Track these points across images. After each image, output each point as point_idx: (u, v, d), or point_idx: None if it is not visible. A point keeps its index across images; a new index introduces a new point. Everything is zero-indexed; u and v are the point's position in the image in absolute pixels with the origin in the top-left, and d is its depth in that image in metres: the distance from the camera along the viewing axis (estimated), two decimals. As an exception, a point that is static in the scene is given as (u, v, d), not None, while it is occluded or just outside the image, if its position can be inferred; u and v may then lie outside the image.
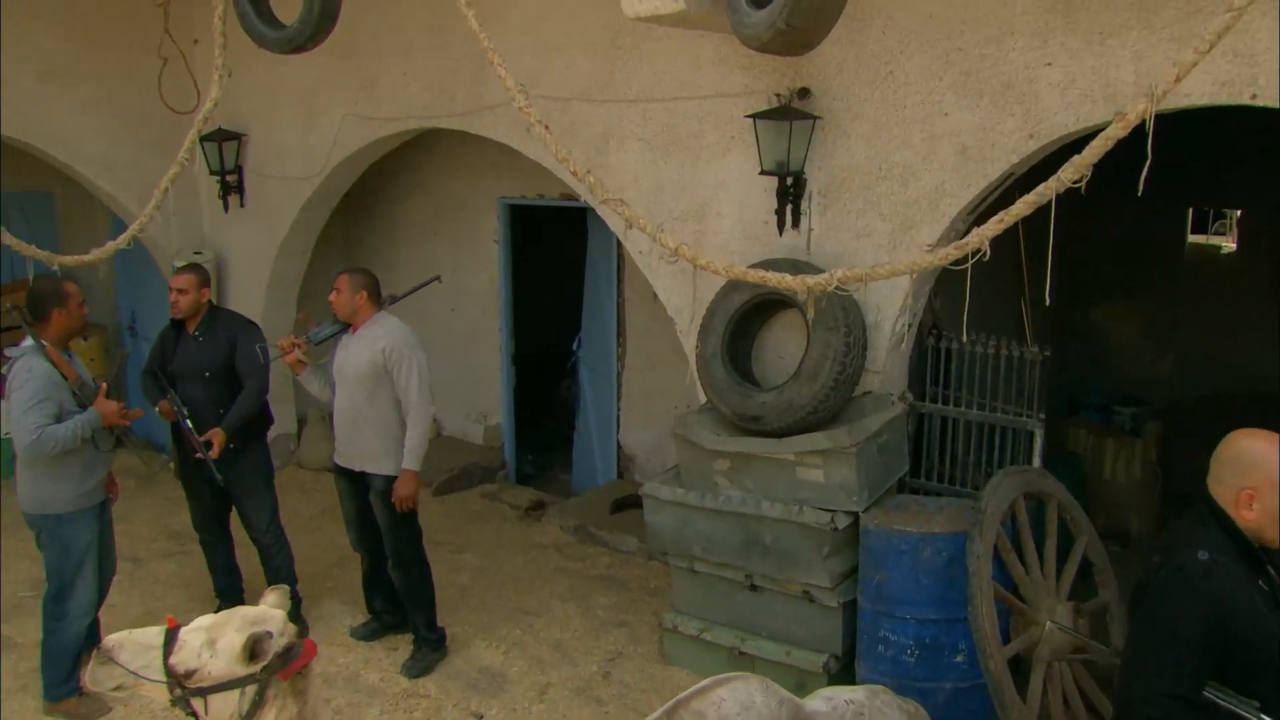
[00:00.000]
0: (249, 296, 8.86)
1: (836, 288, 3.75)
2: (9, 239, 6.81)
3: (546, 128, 4.37)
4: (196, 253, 8.80)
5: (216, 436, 5.89)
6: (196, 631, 3.00)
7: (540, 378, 10.27)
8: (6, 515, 5.84)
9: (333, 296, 5.75)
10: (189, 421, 5.92)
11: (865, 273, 3.75)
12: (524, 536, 7.91)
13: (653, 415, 8.30)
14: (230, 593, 6.61)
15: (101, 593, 5.82)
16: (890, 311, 5.25)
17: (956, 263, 3.62)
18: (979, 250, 3.56)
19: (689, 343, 5.93)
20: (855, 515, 5.01)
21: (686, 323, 5.91)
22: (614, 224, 6.02)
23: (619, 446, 8.60)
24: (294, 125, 8.12)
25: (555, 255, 10.25)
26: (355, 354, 5.73)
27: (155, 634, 3.01)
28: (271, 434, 7.33)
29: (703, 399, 5.74)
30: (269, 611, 3.15)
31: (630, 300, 8.31)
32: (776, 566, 5.20)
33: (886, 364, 5.34)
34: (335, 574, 7.15)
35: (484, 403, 9.40)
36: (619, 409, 8.55)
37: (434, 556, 6.98)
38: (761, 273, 3.90)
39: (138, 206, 8.36)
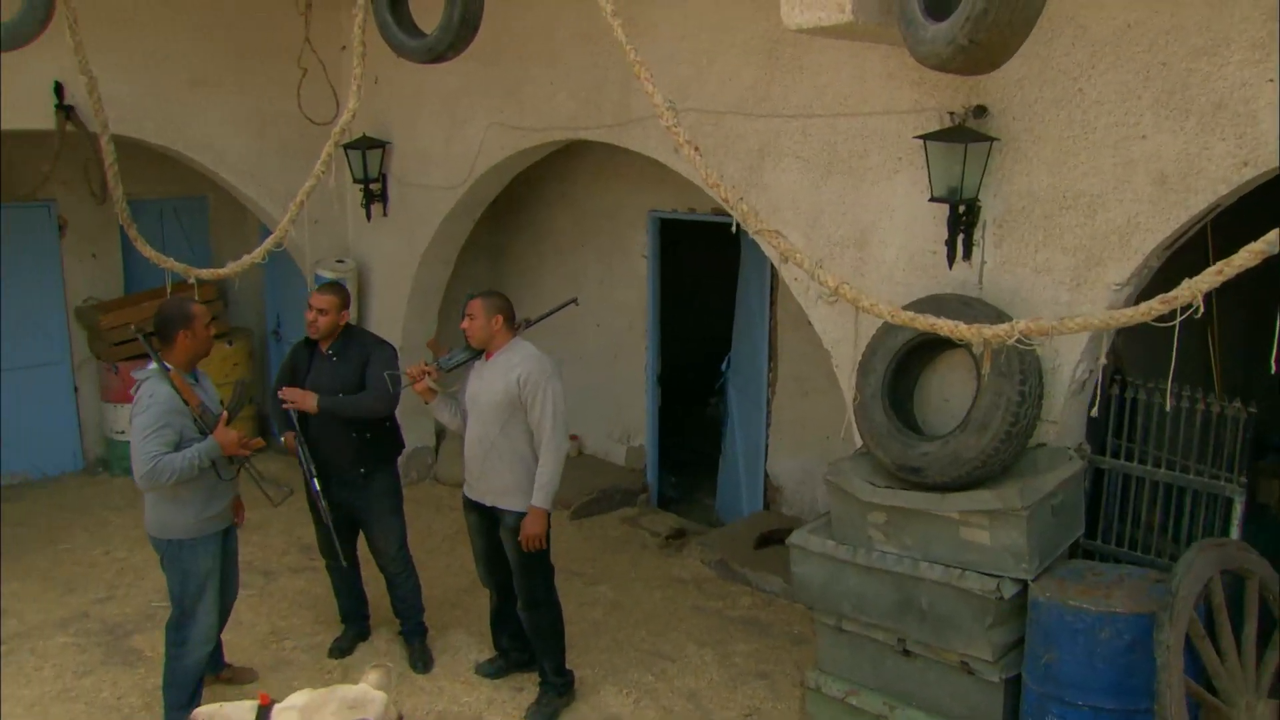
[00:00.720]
0: (390, 306, 8.70)
1: (1018, 340, 3.28)
2: (147, 251, 6.74)
3: (696, 149, 4.00)
4: (339, 261, 8.67)
5: (309, 397, 5.71)
6: (289, 712, 2.74)
7: (686, 396, 9.90)
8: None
9: (465, 323, 5.45)
10: (312, 467, 5.83)
11: (1052, 325, 3.26)
12: (662, 568, 7.54)
13: (803, 445, 7.84)
14: (356, 619, 6.41)
15: (223, 619, 5.66)
16: (1071, 356, 4.70)
17: (1161, 318, 3.12)
18: (1190, 306, 3.05)
19: (845, 379, 5.47)
20: (1024, 583, 4.48)
21: (843, 358, 5.45)
22: (770, 253, 5.59)
23: (766, 475, 8.16)
24: (438, 133, 7.90)
25: (705, 271, 9.88)
26: (488, 382, 5.43)
27: (248, 710, 2.79)
28: (409, 448, 7.15)
29: (859, 441, 5.28)
30: (369, 693, 2.85)
31: (783, 322, 7.86)
32: (933, 632, 4.71)
33: (1064, 413, 4.79)
34: (465, 601, 6.88)
35: (627, 422, 9.07)
36: (767, 436, 8.11)
37: (567, 587, 6.69)
38: (931, 319, 3.45)
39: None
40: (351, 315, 8.58)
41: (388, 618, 6.41)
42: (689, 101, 5.95)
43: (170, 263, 6.30)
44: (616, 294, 8.89)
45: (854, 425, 5.27)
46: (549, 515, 5.45)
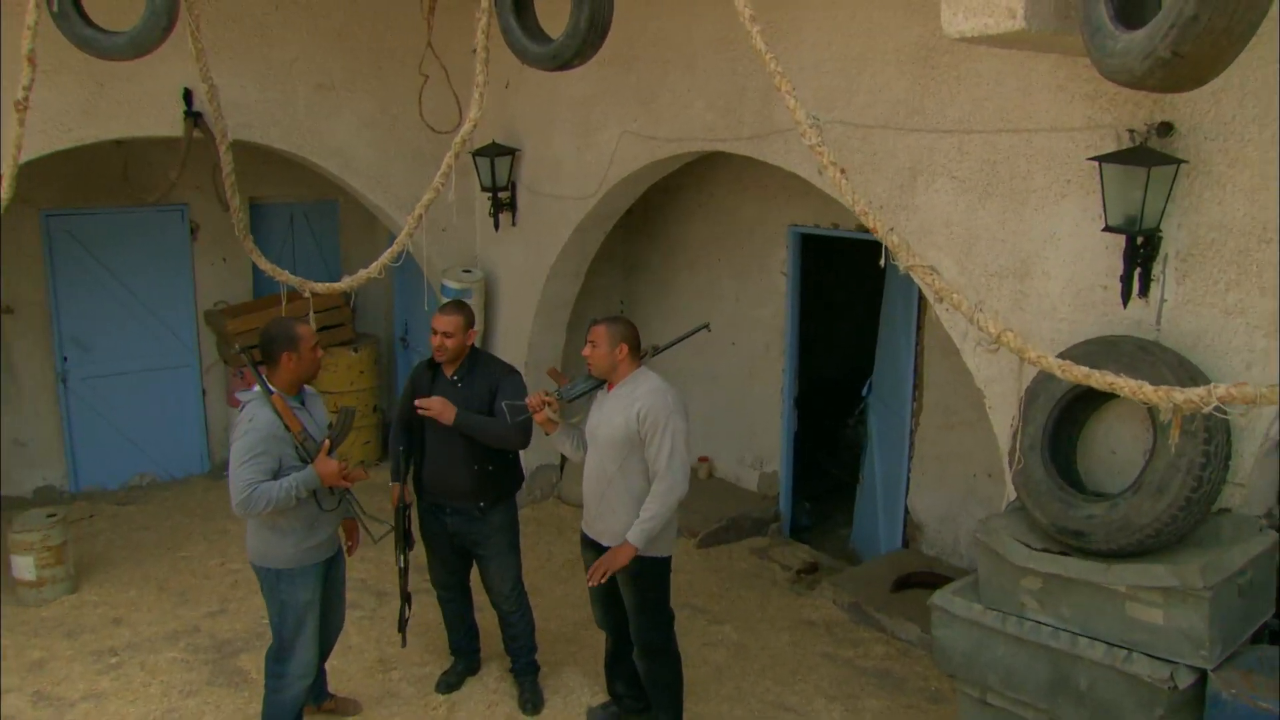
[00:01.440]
0: (517, 319, 8.40)
1: (1215, 409, 2.75)
2: (263, 263, 6.56)
3: (842, 172, 3.56)
4: (466, 271, 8.41)
5: (449, 408, 5.39)
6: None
7: (824, 416, 9.38)
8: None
9: (587, 350, 5.07)
10: (409, 540, 5.67)
11: (1260, 393, 2.72)
12: (792, 608, 7.07)
13: (947, 481, 7.29)
14: (466, 653, 6.11)
15: (325, 651, 5.41)
16: (1264, 412, 4.10)
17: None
18: None
19: (998, 422, 4.95)
20: (1202, 673, 3.90)
21: (997, 398, 4.93)
22: (923, 289, 5.09)
23: (906, 511, 7.62)
24: (569, 141, 7.56)
25: (846, 286, 9.39)
26: (609, 415, 5.05)
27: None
28: (532, 465, 6.84)
29: (1011, 493, 4.75)
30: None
31: (930, 347, 7.32)
32: (1091, 719, 4.16)
33: (1253, 476, 4.19)
34: (581, 637, 6.53)
35: (761, 446, 8.61)
36: (909, 468, 7.56)
37: (689, 625, 6.31)
38: (1110, 378, 2.95)
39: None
40: (479, 326, 8.41)
41: (499, 651, 6.09)
42: (834, 113, 5.49)
43: (285, 275, 6.11)
44: (753, 311, 8.44)
45: (1008, 476, 4.76)
46: (669, 561, 5.09)
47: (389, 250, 5.67)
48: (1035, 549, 4.29)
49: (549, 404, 5.15)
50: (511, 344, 8.47)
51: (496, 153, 7.89)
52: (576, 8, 4.83)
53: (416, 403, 5.45)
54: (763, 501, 8.55)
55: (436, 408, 5.38)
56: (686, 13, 6.42)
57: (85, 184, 8.72)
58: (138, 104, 7.11)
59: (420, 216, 5.59)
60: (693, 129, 6.50)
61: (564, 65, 5.05)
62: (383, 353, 10.27)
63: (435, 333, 5.51)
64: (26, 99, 5.73)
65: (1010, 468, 4.61)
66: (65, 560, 7.32)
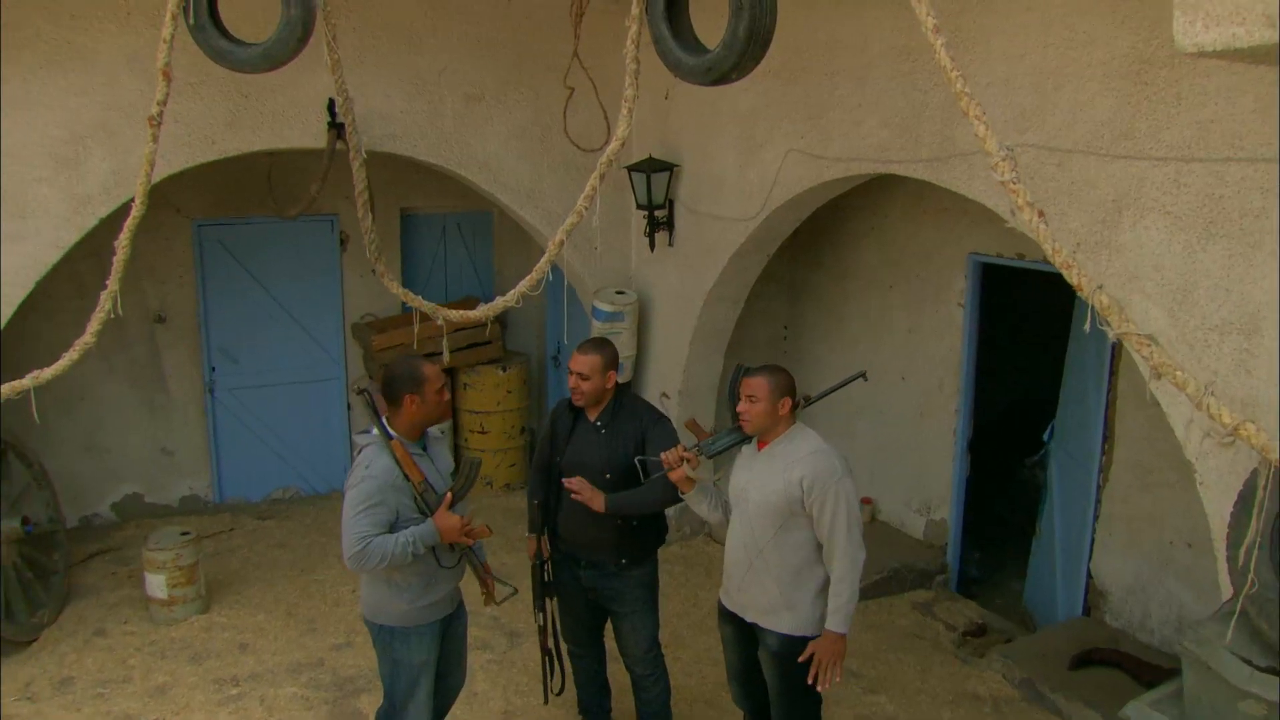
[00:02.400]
0: (672, 345, 7.90)
1: None
2: (395, 288, 6.16)
3: (1041, 214, 2.95)
4: (619, 292, 7.95)
5: (597, 496, 4.91)
6: None
7: (998, 454, 8.61)
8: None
9: (743, 406, 4.49)
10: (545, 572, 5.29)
11: None
12: (956, 678, 6.38)
13: (1139, 546, 6.50)
14: (597, 713, 5.64)
15: (440, 714, 4.98)
16: None
17: None
18: None
19: (1212, 500, 4.22)
20: None
21: (1213, 476, 4.20)
22: (1139, 363, 4.40)
23: (1089, 575, 6.83)
24: (730, 157, 7.01)
25: (1031, 322, 8.62)
26: (763, 478, 4.49)
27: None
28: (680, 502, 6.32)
29: (1226, 591, 4.03)
30: None
31: (1124, 396, 6.52)
32: None
33: None
34: (721, 700, 5.94)
35: (929, 490, 7.92)
36: (1094, 529, 6.77)
37: (841, 692, 5.86)
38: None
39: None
40: (631, 350, 7.96)
41: (630, 711, 5.59)
42: (1026, 135, 4.82)
43: (417, 301, 5.72)
44: (926, 345, 7.74)
45: (1220, 563, 4.04)
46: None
47: (526, 279, 5.20)
48: (1260, 668, 3.57)
49: (688, 460, 4.61)
50: (665, 371, 7.97)
51: (653, 168, 7.40)
52: (734, 16, 4.30)
53: (564, 482, 5.01)
54: (928, 551, 7.85)
55: (585, 493, 4.92)
56: (859, 19, 5.82)
57: (237, 194, 8.58)
58: (282, 115, 6.86)
59: (561, 243, 5.11)
60: (864, 148, 5.89)
61: (720, 79, 4.52)
62: (533, 371, 9.91)
63: (572, 373, 5.05)
64: (160, 114, 5.44)
65: (1227, 561, 3.89)
66: (196, 580, 7.15)
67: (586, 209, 4.99)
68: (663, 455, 4.64)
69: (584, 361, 5.04)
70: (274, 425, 9.29)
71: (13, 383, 5.61)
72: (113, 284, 5.59)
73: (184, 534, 7.15)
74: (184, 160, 6.69)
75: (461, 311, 5.69)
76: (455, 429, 9.49)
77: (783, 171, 6.51)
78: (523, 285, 5.33)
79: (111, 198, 6.55)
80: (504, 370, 9.31)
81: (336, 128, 6.90)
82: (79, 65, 6.43)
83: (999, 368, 8.11)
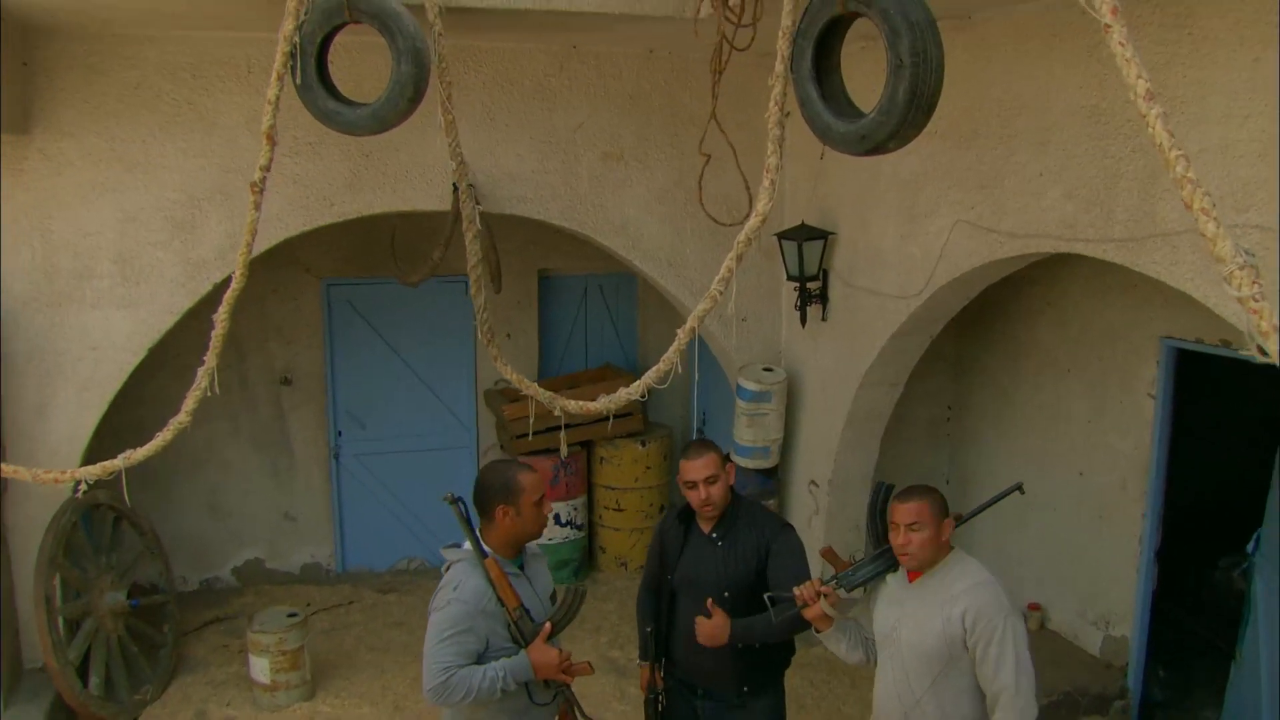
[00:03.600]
0: (822, 430, 7.20)
1: None
2: (507, 370, 5.66)
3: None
4: (766, 369, 7.29)
5: (719, 631, 4.26)
6: None
7: (1188, 557, 7.63)
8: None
9: (904, 537, 3.81)
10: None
11: None
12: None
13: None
14: None
15: None
16: None
17: None
18: None
19: None
20: None
21: None
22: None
23: (1303, 715, 5.86)
24: (890, 227, 6.30)
25: (1234, 411, 7.66)
26: (917, 615, 3.81)
27: None
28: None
29: None
30: None
31: (1349, 511, 5.57)
32: None
33: None
34: None
35: (1107, 601, 7.00)
36: (1309, 661, 5.81)
37: None
38: None
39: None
40: (777, 434, 7.28)
41: None
42: (1249, 213, 4.05)
43: (533, 389, 5.24)
44: (1109, 438, 6.86)
45: None
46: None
47: (653, 371, 4.63)
48: None
49: (825, 594, 3.94)
50: (814, 457, 7.27)
51: (806, 236, 6.73)
52: (893, 76, 3.66)
53: (699, 621, 4.37)
54: (1106, 672, 6.92)
55: (706, 631, 4.30)
56: (1042, 75, 5.08)
57: (366, 252, 8.23)
58: (405, 176, 6.44)
59: (693, 331, 4.55)
60: (1046, 223, 5.13)
61: (876, 149, 3.91)
62: (676, 444, 9.30)
63: (693, 485, 4.43)
64: (263, 180, 5.04)
65: None
66: (301, 665, 6.74)
67: (721, 293, 4.41)
68: (796, 591, 3.99)
69: (703, 464, 4.44)
70: (401, 493, 8.90)
71: (104, 463, 5.28)
72: (210, 359, 5.23)
73: (290, 615, 6.75)
74: (300, 223, 6.34)
75: (581, 403, 5.16)
76: (589, 505, 8.93)
77: (949, 245, 5.78)
78: (649, 377, 4.80)
79: (227, 262, 6.25)
80: (644, 445, 8.71)
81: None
82: (199, 126, 6.17)
83: (1194, 459, 7.16)
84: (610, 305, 9.39)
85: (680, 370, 4.47)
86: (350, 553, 8.92)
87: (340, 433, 8.68)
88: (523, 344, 8.90)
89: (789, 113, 3.93)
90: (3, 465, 5.30)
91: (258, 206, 5.11)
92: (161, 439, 5.26)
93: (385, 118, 4.93)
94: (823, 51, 4.10)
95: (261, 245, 6.28)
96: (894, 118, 3.66)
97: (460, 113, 6.33)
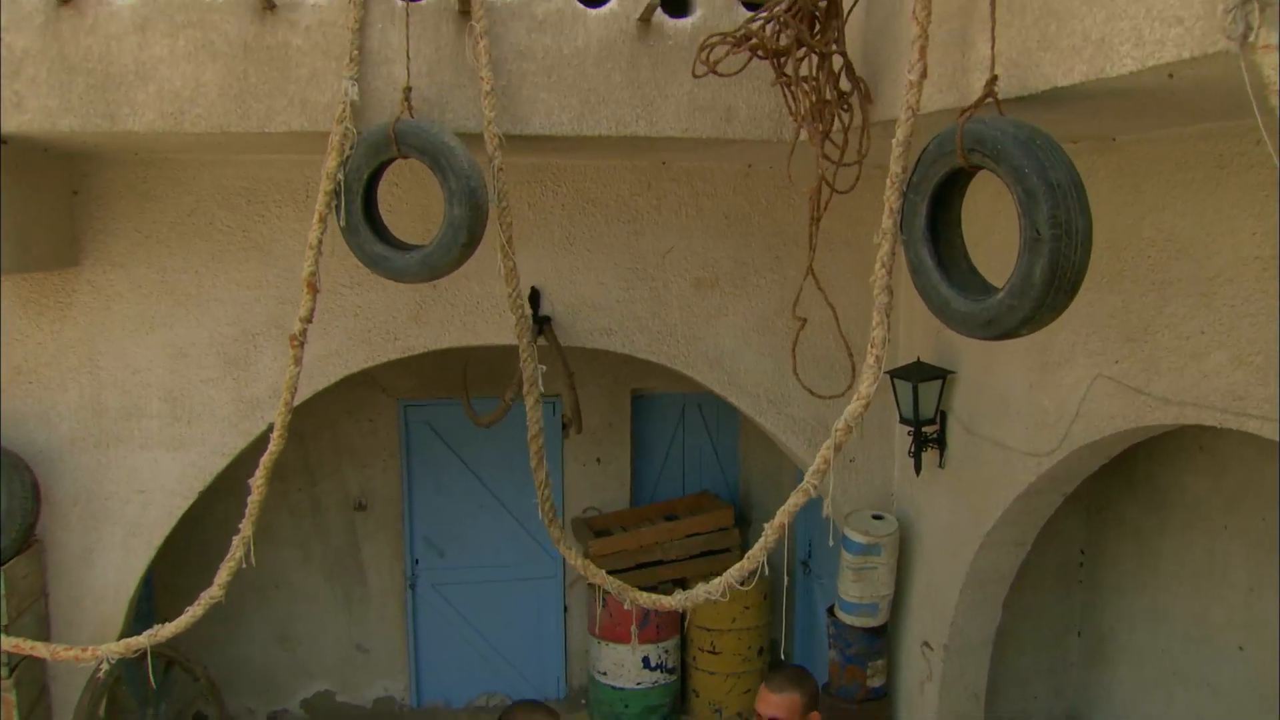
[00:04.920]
0: (937, 591, 6.38)
1: None
2: (574, 559, 5.09)
3: None
4: (876, 517, 6.53)
5: None
6: None
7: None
8: None
9: None
10: None
11: None
12: None
13: None
14: None
15: None
16: None
17: None
18: None
19: None
20: None
21: None
22: None
23: None
24: (1019, 373, 5.51)
25: None
26: None
27: None
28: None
29: None
30: None
31: None
32: None
33: None
34: None
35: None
36: None
37: None
38: None
39: (808, 449, 6.35)
40: (887, 589, 6.50)
41: None
42: None
43: (601, 575, 4.67)
44: (1276, 613, 5.93)
45: None
46: None
47: (735, 568, 4.00)
48: None
49: None
50: (928, 618, 6.46)
51: (921, 376, 5.98)
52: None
53: None
54: None
55: None
56: (1207, 212, 4.28)
57: (444, 373, 7.73)
58: (476, 308, 5.90)
59: (783, 526, 3.96)
60: (1207, 391, 4.31)
61: (1006, 335, 3.26)
62: (778, 583, 8.56)
63: (761, 718, 3.77)
64: (303, 333, 4.56)
65: None
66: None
67: (816, 486, 3.79)
68: None
69: (778, 703, 3.80)
70: (481, 625, 8.35)
71: (128, 641, 4.91)
72: (246, 528, 4.77)
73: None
74: (362, 359, 5.83)
75: (655, 597, 4.54)
76: (682, 646, 8.25)
77: (1087, 403, 4.98)
78: (731, 575, 4.29)
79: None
80: (742, 584, 7.98)
81: (539, 322, 5.89)
82: (254, 255, 5.71)
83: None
84: (710, 426, 8.77)
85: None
86: (426, 687, 8.42)
87: (417, 561, 8.19)
88: (613, 469, 8.29)
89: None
90: (18, 641, 4.87)
91: (298, 361, 4.63)
92: (191, 614, 4.85)
93: (436, 266, 4.40)
94: (940, 206, 3.43)
95: (319, 385, 5.86)
96: (1029, 301, 2.99)
97: (536, 235, 5.86)
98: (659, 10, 4.66)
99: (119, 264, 5.66)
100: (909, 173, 3.34)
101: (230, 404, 5.81)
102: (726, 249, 6.19)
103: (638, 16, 4.65)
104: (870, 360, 3.58)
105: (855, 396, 3.64)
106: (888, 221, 3.44)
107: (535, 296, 5.88)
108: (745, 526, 8.57)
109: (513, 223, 4.45)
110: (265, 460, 4.63)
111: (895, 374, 6.07)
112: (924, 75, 3.40)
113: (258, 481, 4.63)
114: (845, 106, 4.11)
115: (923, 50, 3.38)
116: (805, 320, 4.56)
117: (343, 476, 7.90)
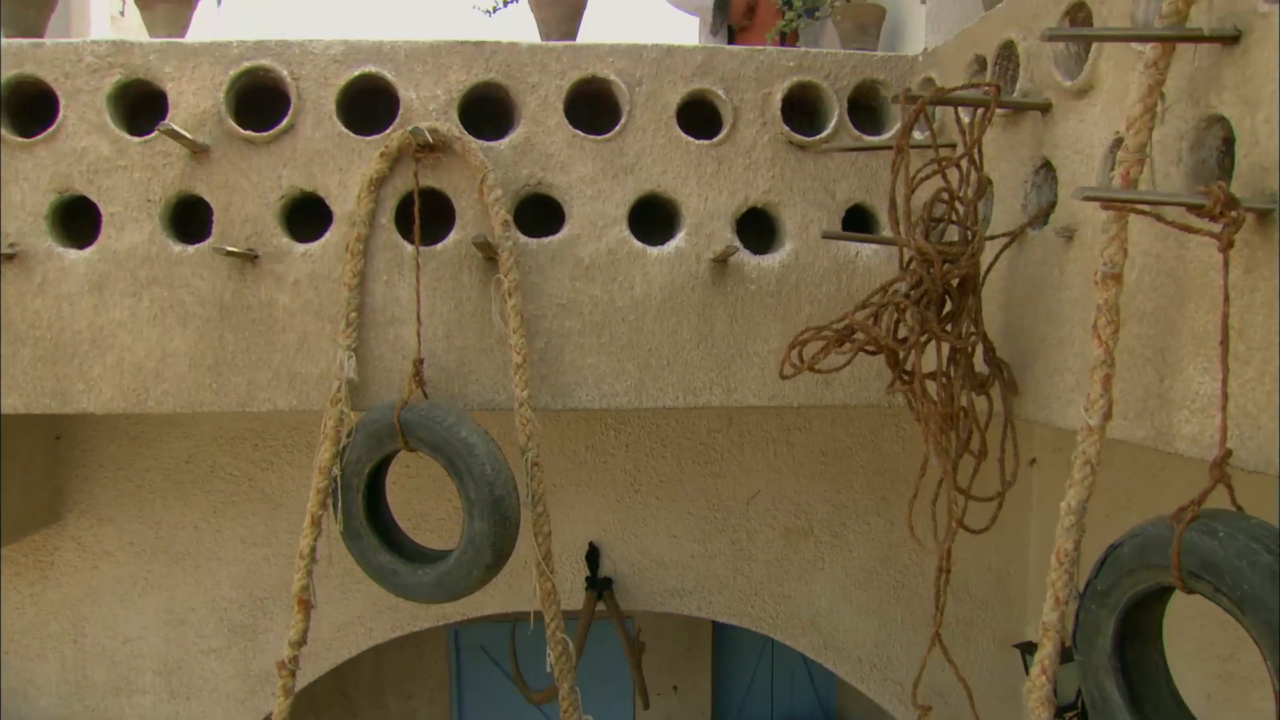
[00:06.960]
0: None
1: None
2: None
3: None
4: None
5: None
6: None
7: None
8: None
9: None
10: None
11: None
12: None
13: None
14: None
15: None
16: None
17: None
18: None
19: None
20: None
21: None
22: None
23: None
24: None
25: None
26: None
27: None
28: None
29: None
30: None
31: None
32: None
33: None
34: None
35: None
36: None
37: None
38: None
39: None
40: None
41: None
42: None
43: None
44: None
45: None
46: None
47: None
48: None
49: None
50: None
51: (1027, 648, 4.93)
52: None
53: None
54: None
55: None
56: None
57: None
58: (523, 571, 4.95)
59: None
60: None
61: None
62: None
63: None
64: (294, 659, 3.68)
65: None
66: None
67: None
68: None
69: None
70: None
71: None
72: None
73: None
74: (388, 629, 5.28)
75: None
76: None
77: None
78: None
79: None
80: None
81: (598, 586, 4.95)
82: (261, 508, 4.92)
83: None
84: (811, 666, 7.72)
85: None
86: None
87: (470, 804, 7.19)
88: (692, 699, 7.26)
89: None
90: None
91: (288, 693, 3.73)
92: None
93: (454, 588, 3.49)
94: (1133, 622, 2.44)
95: (340, 657, 5.02)
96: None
97: (595, 482, 5.07)
98: (739, 249, 3.74)
99: (107, 518, 4.94)
100: (1090, 571, 2.35)
101: (235, 678, 5.02)
102: (822, 491, 5.21)
103: (711, 256, 3.71)
104: None
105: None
106: (1052, 616, 2.46)
107: (594, 555, 4.96)
108: None
109: (550, 532, 3.53)
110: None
111: (1024, 649, 5.03)
112: (1108, 417, 2.41)
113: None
114: (979, 391, 3.12)
115: (1107, 381, 2.39)
116: (930, 708, 3.54)
117: (385, 710, 6.98)
